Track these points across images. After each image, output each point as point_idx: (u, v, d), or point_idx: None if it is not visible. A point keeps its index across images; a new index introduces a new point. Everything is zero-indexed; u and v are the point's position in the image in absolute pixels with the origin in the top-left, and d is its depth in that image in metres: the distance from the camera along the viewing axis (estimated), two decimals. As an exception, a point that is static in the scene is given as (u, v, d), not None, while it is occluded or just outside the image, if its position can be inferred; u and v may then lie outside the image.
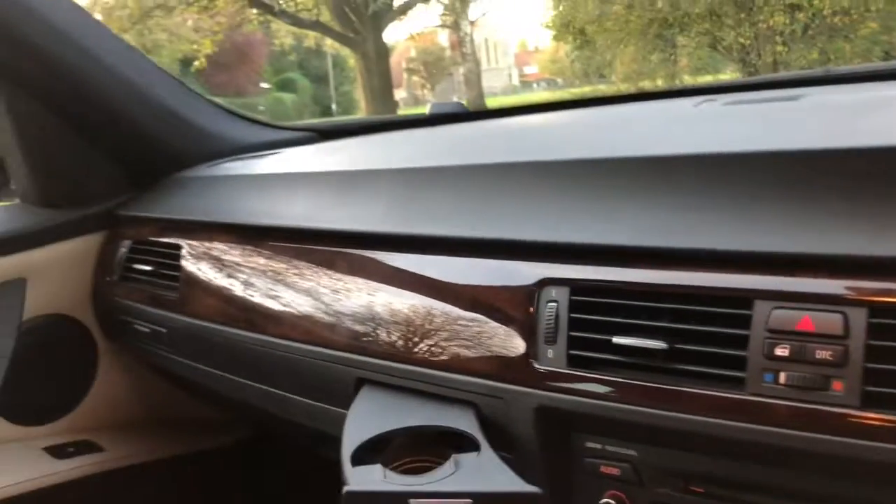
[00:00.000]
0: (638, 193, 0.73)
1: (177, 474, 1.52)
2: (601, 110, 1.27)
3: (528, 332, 0.75)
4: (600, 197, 0.76)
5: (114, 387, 1.51)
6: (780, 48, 10.25)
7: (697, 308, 0.66)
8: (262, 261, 1.09)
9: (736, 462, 0.66)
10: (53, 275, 1.40)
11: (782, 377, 0.61)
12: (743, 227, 0.65)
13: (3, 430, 1.39)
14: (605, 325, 0.71)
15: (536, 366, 0.74)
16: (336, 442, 0.79)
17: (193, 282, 1.19)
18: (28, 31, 1.24)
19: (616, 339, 0.69)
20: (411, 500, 0.65)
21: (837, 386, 0.58)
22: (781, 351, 0.61)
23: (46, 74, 1.30)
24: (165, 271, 1.27)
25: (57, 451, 1.41)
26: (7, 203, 1.50)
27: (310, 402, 1.01)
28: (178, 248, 1.24)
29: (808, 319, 0.60)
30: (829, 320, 0.59)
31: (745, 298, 0.63)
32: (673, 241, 0.68)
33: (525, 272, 0.77)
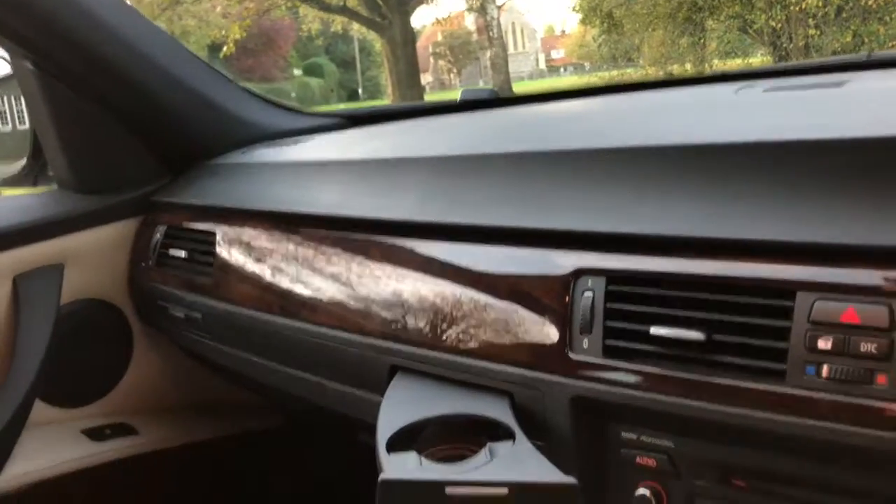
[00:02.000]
0: (676, 182, 0.72)
1: (210, 458, 1.55)
2: (636, 96, 1.25)
3: (564, 322, 0.75)
4: (637, 185, 0.75)
5: (149, 371, 1.53)
6: (812, 31, 10.08)
7: (737, 299, 0.65)
8: (295, 248, 1.09)
9: (775, 455, 0.65)
10: (90, 260, 1.42)
11: (825, 370, 0.60)
12: (785, 216, 0.64)
13: (42, 413, 1.41)
14: (642, 315, 0.70)
15: (572, 356, 0.74)
16: (369, 428, 0.79)
17: (228, 268, 1.20)
18: (65, 19, 1.24)
19: (653, 330, 0.69)
20: (447, 489, 0.65)
21: (881, 379, 0.57)
22: (824, 343, 0.60)
23: (82, 62, 1.31)
24: (200, 257, 1.27)
25: (94, 434, 1.44)
26: (44, 189, 1.52)
27: (343, 388, 1.02)
28: (213, 234, 1.25)
29: (852, 311, 0.59)
30: (874, 312, 0.58)
31: (787, 290, 0.62)
32: (712, 231, 0.67)
33: (560, 261, 0.77)
